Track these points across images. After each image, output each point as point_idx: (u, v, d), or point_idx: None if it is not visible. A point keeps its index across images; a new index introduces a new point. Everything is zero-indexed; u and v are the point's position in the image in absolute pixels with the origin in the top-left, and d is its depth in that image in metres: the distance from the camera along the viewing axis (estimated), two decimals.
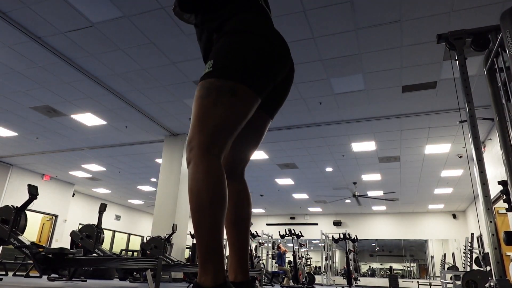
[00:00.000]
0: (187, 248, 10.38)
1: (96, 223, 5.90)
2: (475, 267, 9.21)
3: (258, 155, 9.07)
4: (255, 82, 1.11)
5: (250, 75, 1.10)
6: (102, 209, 5.98)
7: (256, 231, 11.83)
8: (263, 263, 12.69)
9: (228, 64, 1.10)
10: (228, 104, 1.06)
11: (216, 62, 1.11)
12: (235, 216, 1.25)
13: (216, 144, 1.05)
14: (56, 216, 12.32)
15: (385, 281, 14.74)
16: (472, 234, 10.31)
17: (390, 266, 18.42)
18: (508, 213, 6.82)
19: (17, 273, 7.17)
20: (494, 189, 6.95)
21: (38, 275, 6.29)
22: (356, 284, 11.76)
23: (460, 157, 8.56)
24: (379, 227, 15.83)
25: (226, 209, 1.04)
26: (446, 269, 12.06)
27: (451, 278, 8.44)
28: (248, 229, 1.28)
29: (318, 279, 14.32)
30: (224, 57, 1.11)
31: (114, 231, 16.21)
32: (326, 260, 14.48)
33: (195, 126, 1.07)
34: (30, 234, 11.72)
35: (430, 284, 13.68)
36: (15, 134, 8.30)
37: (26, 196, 4.62)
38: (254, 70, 1.11)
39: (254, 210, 16.54)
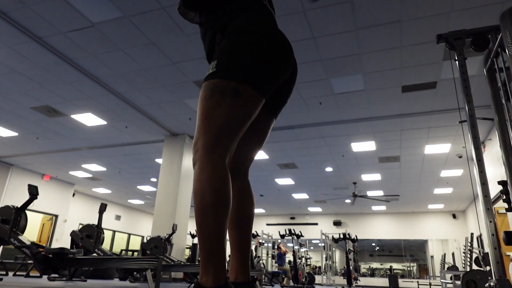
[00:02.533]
0: (187, 248, 10.38)
1: (96, 223, 5.91)
2: (475, 267, 9.22)
3: (258, 155, 9.08)
4: (259, 82, 1.11)
5: (254, 76, 1.10)
6: (102, 209, 5.99)
7: (256, 231, 11.83)
8: (263, 263, 12.69)
9: (232, 64, 1.10)
10: (232, 105, 1.06)
11: (219, 63, 1.11)
12: (237, 216, 1.25)
13: (221, 145, 1.05)
14: (56, 216, 12.32)
15: (385, 281, 14.75)
16: (472, 234, 10.31)
17: (390, 266, 18.42)
18: (508, 213, 6.83)
19: (17, 273, 7.18)
20: (494, 189, 6.96)
21: (38, 275, 6.29)
22: (356, 284, 11.77)
23: (460, 157, 8.57)
24: (379, 227, 15.84)
25: (230, 210, 1.04)
26: (446, 269, 12.07)
27: (451, 278, 8.44)
28: (250, 229, 1.27)
29: (318, 279, 14.33)
30: (228, 57, 1.11)
31: (114, 231, 16.21)
32: (326, 260, 14.49)
33: (200, 127, 1.07)
34: (30, 234, 11.73)
35: (430, 284, 13.68)
36: (15, 134, 8.30)
37: (26, 196, 4.63)
38: (257, 71, 1.11)
39: (255, 210, 16.50)
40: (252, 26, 1.17)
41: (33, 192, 4.47)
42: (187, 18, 1.39)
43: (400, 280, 13.93)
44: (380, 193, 12.33)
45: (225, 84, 1.07)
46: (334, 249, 17.26)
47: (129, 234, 17.16)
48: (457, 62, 2.74)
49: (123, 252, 10.31)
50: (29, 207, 4.67)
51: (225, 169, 1.03)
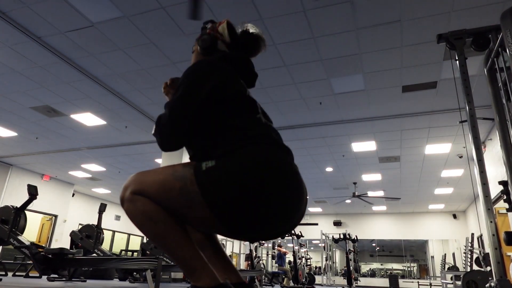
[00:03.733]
0: None
1: (96, 223, 5.90)
2: (475, 267, 9.21)
3: None
4: (234, 226, 1.00)
5: (233, 217, 0.98)
6: (102, 209, 5.98)
7: None
8: (263, 263, 12.68)
9: (216, 189, 0.98)
10: (180, 203, 1.01)
11: (213, 174, 0.99)
12: (199, 237, 1.25)
13: (149, 195, 1.03)
14: (56, 216, 12.31)
15: (385, 281, 14.74)
16: (472, 234, 10.31)
17: (391, 268, 18.40)
18: (509, 213, 6.81)
19: (16, 273, 7.17)
20: (494, 189, 6.94)
21: (38, 275, 6.28)
22: (356, 284, 11.76)
23: (461, 157, 8.56)
24: (379, 227, 15.83)
25: (176, 222, 1.02)
26: (446, 269, 12.06)
27: (451, 278, 8.43)
28: (217, 240, 1.27)
29: (318, 279, 14.32)
30: (224, 181, 0.97)
31: (114, 231, 16.20)
32: (326, 260, 14.48)
33: (145, 177, 1.04)
34: (30, 234, 11.71)
35: (430, 284, 13.67)
36: (15, 134, 8.29)
37: (25, 196, 4.62)
38: (243, 217, 0.98)
39: None
40: (256, 166, 1.00)
41: (33, 192, 4.46)
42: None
43: (400, 281, 13.93)
44: (380, 193, 12.32)
45: (193, 192, 0.99)
46: (334, 249, 17.24)
47: (129, 234, 17.15)
48: (457, 62, 2.73)
49: (123, 252, 10.30)
50: (29, 207, 4.67)
51: (152, 202, 1.02)
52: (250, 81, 1.32)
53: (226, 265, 1.21)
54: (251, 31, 1.34)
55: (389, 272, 18.25)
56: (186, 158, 7.98)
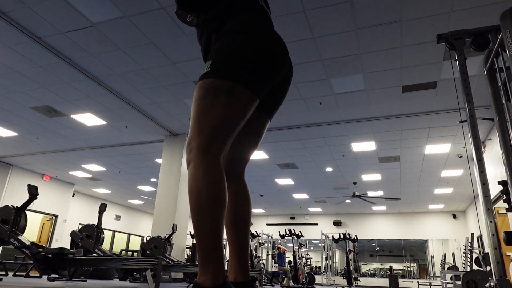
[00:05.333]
0: (187, 248, 10.37)
1: (96, 223, 5.90)
2: (475, 267, 9.21)
3: (258, 155, 9.07)
4: (253, 82, 1.11)
5: (248, 76, 1.10)
6: (102, 209, 5.98)
7: (256, 231, 11.83)
8: (263, 263, 12.69)
9: (226, 64, 1.10)
10: (226, 105, 1.06)
11: (214, 62, 1.11)
12: (235, 217, 1.25)
13: (215, 144, 1.05)
14: (56, 216, 12.32)
15: (385, 281, 14.74)
16: (472, 234, 10.31)
17: (390, 266, 18.41)
18: (508, 213, 6.82)
19: (17, 273, 7.17)
20: (494, 189, 6.94)
21: (38, 275, 6.29)
22: (356, 284, 11.76)
23: (460, 157, 8.56)
24: (379, 227, 15.83)
25: (226, 209, 1.03)
26: (446, 269, 12.06)
27: (451, 278, 8.43)
28: (248, 230, 1.27)
29: (318, 279, 14.32)
30: (223, 57, 1.11)
31: (114, 231, 16.21)
32: (326, 260, 14.49)
33: (194, 127, 1.07)
34: (30, 234, 11.71)
35: (430, 284, 13.67)
36: (15, 134, 8.30)
37: (26, 196, 4.62)
38: (251, 71, 1.11)
39: (254, 210, 16.53)
40: (248, 26, 1.17)
41: (33, 192, 4.46)
42: (185, 22, 1.39)
43: (400, 280, 13.92)
44: (380, 193, 12.32)
45: (219, 84, 1.07)
46: (334, 249, 17.25)
47: (129, 234, 17.15)
48: (457, 62, 2.74)
49: (123, 252, 10.30)
50: (29, 207, 4.67)
51: (220, 168, 1.04)
52: None
53: (240, 261, 1.21)
54: None
55: (388, 272, 18.25)
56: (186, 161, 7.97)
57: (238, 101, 1.08)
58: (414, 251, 19.21)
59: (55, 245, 12.04)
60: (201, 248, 0.98)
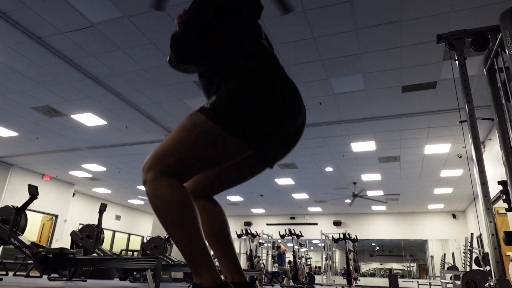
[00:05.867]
0: None
1: (96, 223, 5.91)
2: (475, 267, 9.21)
3: None
4: (251, 135, 1.05)
5: (248, 129, 1.04)
6: (102, 209, 5.99)
7: (256, 231, 11.83)
8: (263, 263, 12.69)
9: (227, 110, 1.04)
10: (203, 149, 1.03)
11: (216, 102, 1.05)
12: (211, 227, 1.24)
13: (174, 173, 1.03)
14: (56, 216, 12.31)
15: (385, 281, 14.74)
16: (472, 234, 10.31)
17: (391, 268, 18.40)
18: (508, 213, 6.81)
19: (17, 273, 7.17)
20: (494, 189, 6.93)
21: (38, 275, 6.29)
22: (356, 284, 11.76)
23: (460, 157, 8.56)
24: (379, 227, 15.83)
25: (197, 213, 1.02)
26: (446, 269, 12.07)
27: (451, 278, 8.44)
28: (228, 234, 1.27)
29: (318, 279, 14.32)
30: (226, 101, 1.05)
31: (114, 231, 16.21)
32: (326, 260, 14.49)
33: (161, 151, 1.04)
34: (30, 234, 11.71)
35: (430, 284, 13.68)
36: (15, 134, 8.30)
37: (26, 196, 4.62)
38: (255, 125, 1.05)
39: (254, 210, 16.54)
40: (261, 75, 1.10)
41: (33, 192, 4.47)
42: (179, 69, 1.31)
43: (400, 280, 13.93)
44: (380, 193, 12.32)
45: (208, 127, 1.02)
46: (334, 249, 17.25)
47: (129, 234, 17.15)
48: (457, 62, 2.74)
49: (123, 252, 10.31)
50: (29, 207, 4.68)
51: (179, 183, 1.02)
52: (257, 10, 1.33)
53: (232, 263, 1.22)
54: None
55: (388, 272, 18.26)
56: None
57: (219, 149, 1.03)
58: (414, 251, 19.21)
59: (55, 245, 12.04)
60: (187, 255, 0.98)
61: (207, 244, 1.05)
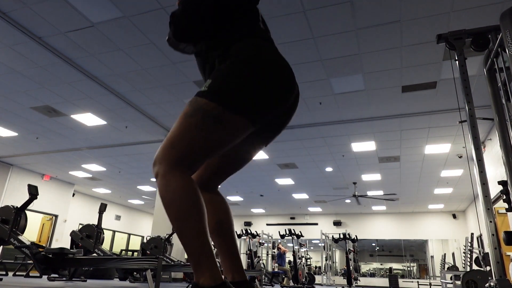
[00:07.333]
0: None
1: (96, 223, 5.90)
2: (475, 267, 9.21)
3: (258, 155, 9.07)
4: (250, 111, 1.07)
5: (246, 104, 1.06)
6: (102, 209, 5.99)
7: (256, 231, 11.83)
8: (263, 263, 12.69)
9: (225, 88, 1.06)
10: (210, 130, 1.03)
11: (213, 84, 1.07)
12: (216, 223, 1.25)
13: (186, 162, 1.03)
14: (56, 216, 12.32)
15: (385, 281, 14.74)
16: (472, 234, 10.31)
17: (390, 268, 18.41)
18: (508, 213, 6.81)
19: (17, 273, 7.17)
20: (494, 189, 6.95)
21: (38, 275, 6.29)
22: (356, 284, 11.77)
23: (460, 157, 8.56)
24: (379, 227, 15.83)
25: (205, 211, 1.03)
26: (446, 269, 12.06)
27: (451, 278, 8.43)
28: (232, 232, 1.27)
29: (318, 279, 14.33)
30: (223, 80, 1.07)
31: (114, 231, 16.22)
32: (326, 260, 14.49)
33: (170, 141, 1.05)
34: (30, 234, 11.72)
35: (430, 284, 13.68)
36: (15, 134, 8.30)
37: (26, 196, 4.62)
38: (252, 99, 1.07)
39: (254, 210, 16.54)
40: (253, 52, 1.13)
41: (33, 192, 4.47)
42: (178, 49, 1.32)
43: (400, 280, 13.93)
44: (380, 193, 12.32)
45: (210, 108, 1.04)
46: (334, 249, 17.26)
47: (129, 234, 17.16)
48: (457, 62, 2.74)
49: (123, 252, 10.30)
50: (29, 207, 4.67)
51: (190, 178, 1.03)
52: None
53: (234, 261, 1.22)
54: None
55: (388, 272, 18.26)
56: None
57: (224, 129, 1.05)
58: (414, 251, 19.21)
59: (55, 245, 12.04)
60: (191, 254, 0.98)
61: (211, 240, 1.05)
